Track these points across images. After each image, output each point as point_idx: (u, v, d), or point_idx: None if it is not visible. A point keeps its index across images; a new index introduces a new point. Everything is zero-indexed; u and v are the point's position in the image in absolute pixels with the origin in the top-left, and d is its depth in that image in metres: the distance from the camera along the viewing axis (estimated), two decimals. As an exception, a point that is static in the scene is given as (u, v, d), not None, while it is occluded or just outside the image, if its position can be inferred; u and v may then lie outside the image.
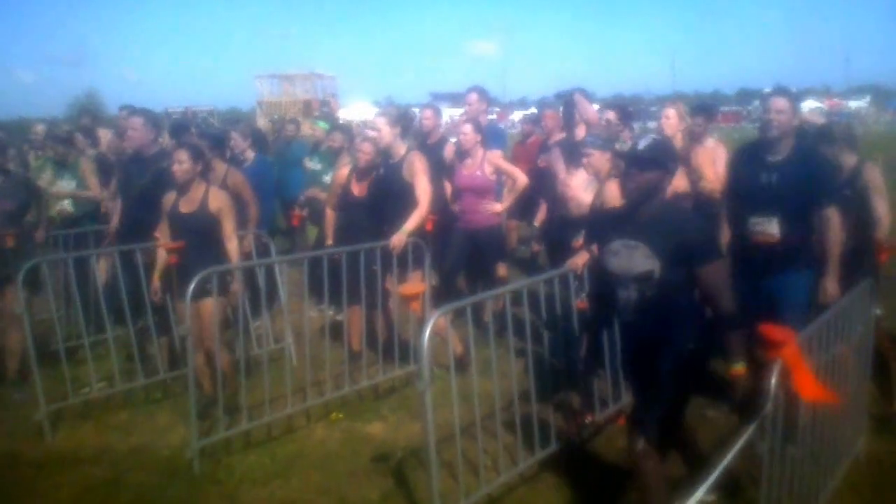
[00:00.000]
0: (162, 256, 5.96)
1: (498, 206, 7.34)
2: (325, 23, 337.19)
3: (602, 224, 4.02)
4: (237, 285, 5.90)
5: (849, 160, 5.42)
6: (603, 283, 4.10)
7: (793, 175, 4.89)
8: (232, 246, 5.85)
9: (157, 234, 6.12)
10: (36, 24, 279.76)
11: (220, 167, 7.20)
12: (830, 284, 4.93)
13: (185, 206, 5.80)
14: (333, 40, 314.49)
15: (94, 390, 6.19)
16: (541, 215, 7.70)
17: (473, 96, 8.09)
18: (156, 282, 6.03)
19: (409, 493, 4.69)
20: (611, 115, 6.90)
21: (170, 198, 5.89)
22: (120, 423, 5.90)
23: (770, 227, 4.94)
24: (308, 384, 6.01)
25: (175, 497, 4.80)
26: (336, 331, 6.59)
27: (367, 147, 6.83)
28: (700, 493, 3.12)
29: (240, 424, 5.48)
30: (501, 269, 7.68)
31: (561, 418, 5.25)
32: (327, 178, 8.43)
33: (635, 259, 3.68)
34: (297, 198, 9.21)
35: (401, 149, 6.70)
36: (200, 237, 5.76)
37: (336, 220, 7.08)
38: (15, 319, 6.10)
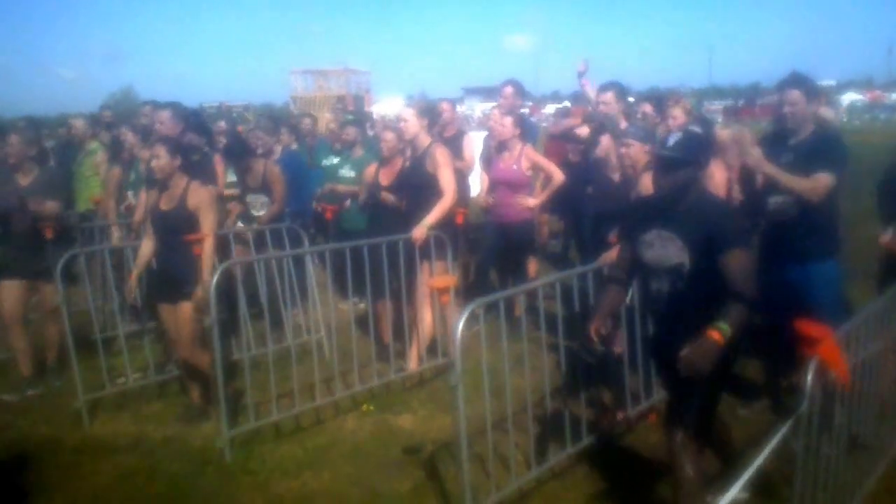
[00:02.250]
0: (143, 255, 5.79)
1: (531, 201, 7.28)
2: (360, 18, 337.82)
3: (638, 214, 3.97)
4: (201, 291, 5.36)
5: None
6: (632, 274, 4.08)
7: (807, 154, 4.87)
8: (206, 245, 5.47)
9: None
10: (77, 21, 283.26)
11: (258, 164, 7.29)
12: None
13: (165, 203, 5.58)
14: (368, 35, 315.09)
15: (130, 381, 6.24)
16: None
17: (509, 89, 8.02)
18: (133, 282, 5.79)
19: (439, 486, 4.66)
20: (647, 107, 6.82)
21: (151, 194, 5.75)
22: (154, 413, 5.96)
23: (786, 205, 4.91)
24: (337, 376, 6.00)
25: (208, 486, 4.83)
26: (365, 323, 6.60)
27: (388, 135, 6.94)
28: (735, 490, 3.07)
29: (270, 415, 5.50)
30: (533, 264, 7.64)
31: (592, 414, 5.19)
32: (343, 172, 8.45)
33: (669, 250, 3.66)
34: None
35: (425, 140, 6.68)
36: (179, 235, 5.49)
37: (368, 212, 7.10)
38: (53, 312, 6.18)
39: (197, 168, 6.19)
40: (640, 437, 5.18)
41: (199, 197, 5.53)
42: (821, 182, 4.79)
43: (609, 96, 6.41)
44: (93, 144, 9.02)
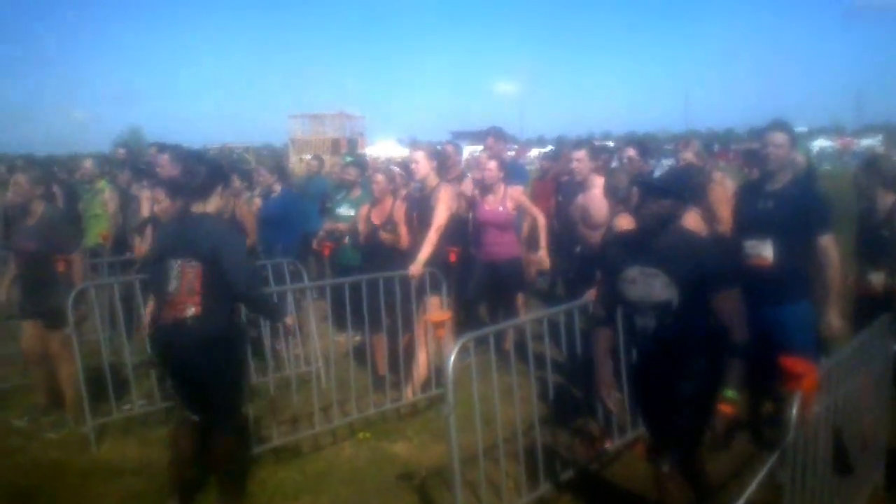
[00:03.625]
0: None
1: (543, 257, 7.23)
2: (355, 64, 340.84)
3: (617, 251, 3.89)
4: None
5: (886, 199, 5.10)
6: (614, 310, 4.05)
7: (787, 202, 4.88)
8: None
9: None
10: (87, 65, 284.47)
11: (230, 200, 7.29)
12: (834, 318, 4.83)
13: None
14: (361, 80, 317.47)
15: (136, 407, 6.20)
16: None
17: (490, 140, 8.23)
18: (146, 319, 5.57)
19: (433, 512, 4.64)
20: (631, 151, 6.90)
21: (148, 235, 5.66)
22: (159, 438, 5.85)
23: (764, 251, 4.91)
24: (335, 405, 5.98)
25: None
26: (361, 355, 6.59)
27: (379, 178, 7.08)
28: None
29: (270, 441, 5.47)
30: (521, 300, 7.67)
31: (580, 444, 5.19)
32: (341, 210, 8.49)
33: (654, 287, 3.58)
34: (317, 230, 9.27)
35: (433, 181, 6.76)
36: None
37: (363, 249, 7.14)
38: (65, 354, 6.11)
39: None
40: (626, 466, 5.15)
41: None
42: (831, 249, 4.80)
43: (581, 154, 6.46)
44: (100, 183, 9.05)
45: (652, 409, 3.93)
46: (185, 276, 4.42)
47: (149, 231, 7.22)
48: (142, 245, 7.37)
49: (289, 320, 5.17)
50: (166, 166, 6.87)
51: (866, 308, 4.89)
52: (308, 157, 15.50)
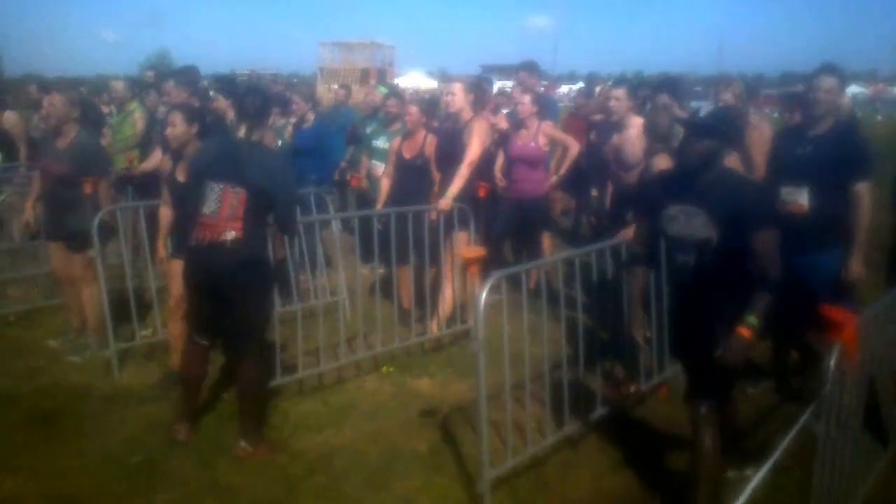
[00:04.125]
0: (164, 220, 5.48)
1: (554, 178, 7.16)
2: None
3: (659, 189, 3.83)
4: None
5: None
6: (654, 249, 3.97)
7: (826, 149, 4.75)
8: None
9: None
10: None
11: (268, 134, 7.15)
12: (856, 264, 4.76)
13: (182, 174, 5.15)
14: (393, 10, 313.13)
15: (159, 333, 6.16)
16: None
17: (523, 74, 8.05)
18: (160, 246, 5.53)
19: (456, 448, 4.59)
20: (665, 98, 6.64)
21: (165, 163, 5.47)
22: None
23: (800, 198, 4.79)
24: (360, 337, 5.92)
25: (231, 438, 4.68)
26: (387, 288, 6.51)
27: (413, 109, 6.87)
28: (764, 471, 2.98)
29: (295, 372, 5.44)
30: (546, 239, 7.53)
31: (606, 386, 5.10)
32: (378, 143, 8.31)
33: (694, 225, 3.52)
34: (339, 161, 9.14)
35: (468, 115, 6.57)
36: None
37: (391, 183, 6.99)
38: (88, 277, 6.06)
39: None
40: (651, 409, 5.10)
41: None
42: (865, 197, 4.70)
43: (621, 92, 6.21)
44: (132, 105, 8.92)
45: (689, 344, 3.85)
46: (226, 200, 4.39)
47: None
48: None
49: None
50: (172, 92, 6.73)
51: None
52: (335, 86, 15.23)
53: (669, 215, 3.62)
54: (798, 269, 4.74)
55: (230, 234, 4.37)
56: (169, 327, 5.56)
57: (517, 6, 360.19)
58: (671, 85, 7.28)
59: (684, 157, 3.65)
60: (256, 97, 4.69)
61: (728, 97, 6.17)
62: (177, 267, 5.12)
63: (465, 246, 6.28)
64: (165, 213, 5.47)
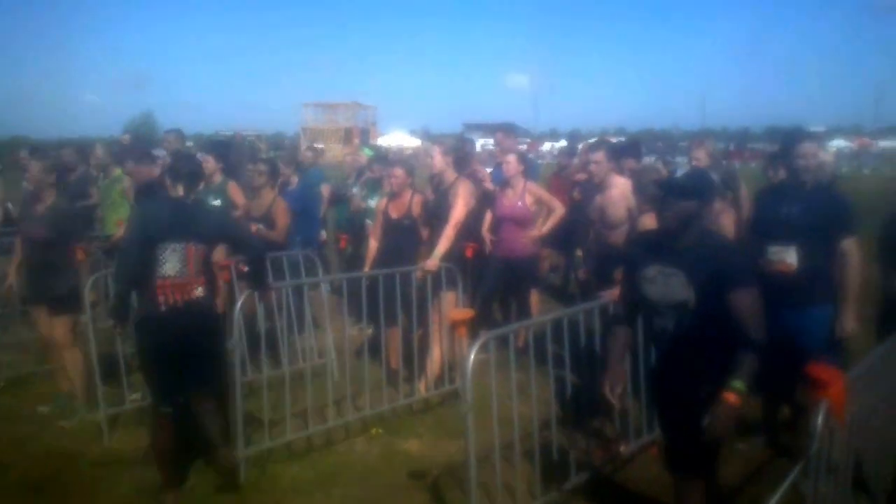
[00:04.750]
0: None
1: (535, 233, 7.27)
2: (369, 53, 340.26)
3: (639, 250, 3.84)
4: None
5: None
6: (634, 310, 3.96)
7: (812, 207, 4.84)
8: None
9: None
10: (103, 49, 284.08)
11: (268, 194, 7.25)
12: (847, 320, 4.82)
13: None
14: (375, 70, 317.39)
15: (148, 397, 6.14)
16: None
17: (499, 135, 8.27)
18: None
19: (445, 511, 4.59)
20: (630, 163, 6.81)
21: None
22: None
23: (788, 257, 4.87)
24: (348, 399, 5.93)
25: (222, 502, 4.74)
26: (375, 349, 6.55)
27: (398, 171, 6.94)
28: None
29: (284, 436, 5.43)
30: (535, 297, 7.61)
31: (596, 445, 5.13)
32: (372, 203, 8.42)
33: (672, 287, 3.52)
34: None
35: (451, 176, 6.71)
36: None
37: (379, 244, 7.07)
38: (70, 341, 6.12)
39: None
40: (641, 469, 5.10)
41: None
42: (854, 252, 4.81)
43: (599, 156, 6.33)
44: (117, 171, 9.01)
45: (669, 412, 3.86)
46: (191, 258, 4.58)
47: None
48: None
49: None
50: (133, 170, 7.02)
51: (893, 313, 4.82)
52: (317, 146, 15.45)
53: (647, 277, 3.63)
54: (788, 325, 4.84)
55: (199, 290, 4.58)
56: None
57: (497, 64, 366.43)
58: (631, 148, 7.46)
59: (662, 219, 3.68)
60: (189, 161, 5.03)
61: (701, 155, 6.30)
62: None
63: (453, 306, 6.35)
64: None
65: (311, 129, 43.14)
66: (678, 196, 3.56)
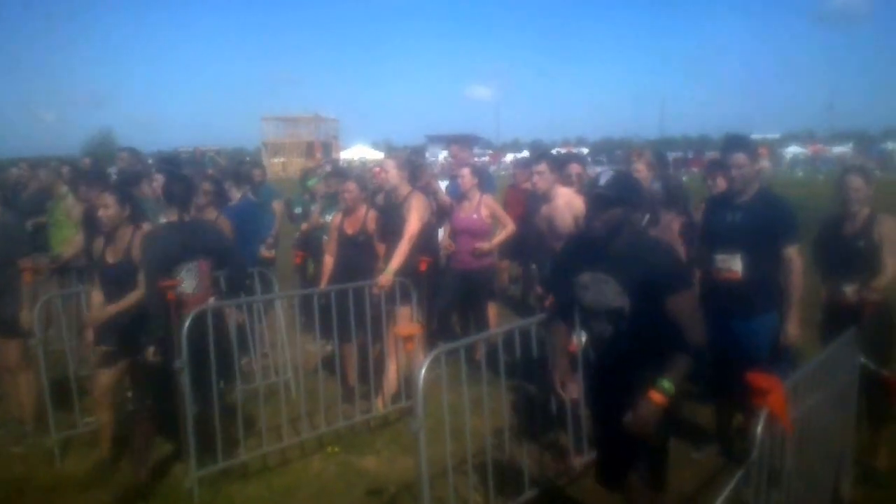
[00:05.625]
0: (96, 307, 5.42)
1: (485, 246, 7.31)
2: (330, 67, 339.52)
3: (570, 256, 3.82)
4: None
5: (863, 210, 5.08)
6: (569, 315, 3.97)
7: (755, 215, 4.95)
8: (135, 293, 5.19)
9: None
10: (62, 67, 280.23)
11: (210, 213, 7.16)
12: (792, 327, 4.93)
13: (111, 256, 5.29)
14: (337, 83, 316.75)
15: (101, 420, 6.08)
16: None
17: (454, 148, 8.35)
18: (88, 333, 5.55)
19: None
20: (576, 167, 6.87)
21: (98, 244, 5.48)
22: (125, 452, 5.80)
23: (733, 264, 4.97)
24: (304, 417, 5.93)
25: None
26: (331, 366, 6.55)
27: (351, 186, 6.94)
28: None
29: (237, 456, 5.40)
30: (492, 309, 7.65)
31: (550, 457, 5.16)
32: (329, 219, 8.39)
33: (606, 293, 3.53)
34: (266, 238, 9.18)
35: (404, 190, 6.74)
36: (125, 287, 5.19)
37: (334, 260, 7.06)
38: (21, 364, 6.04)
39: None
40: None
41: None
42: (795, 259, 4.90)
43: (542, 167, 6.33)
44: (62, 189, 8.90)
45: (606, 421, 3.83)
46: (202, 274, 5.18)
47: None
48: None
49: None
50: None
51: (836, 319, 4.92)
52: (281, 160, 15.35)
53: (581, 283, 3.64)
54: (735, 333, 4.96)
55: (211, 300, 5.19)
56: (98, 416, 5.55)
57: (459, 77, 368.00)
58: (576, 155, 7.59)
59: (590, 228, 3.66)
60: (182, 183, 5.35)
61: (641, 167, 6.39)
62: (104, 356, 5.28)
63: (408, 321, 6.36)
64: (97, 298, 5.46)
65: (273, 144, 42.98)
66: (604, 205, 3.54)
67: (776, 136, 76.42)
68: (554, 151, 11.09)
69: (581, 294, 3.67)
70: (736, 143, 5.13)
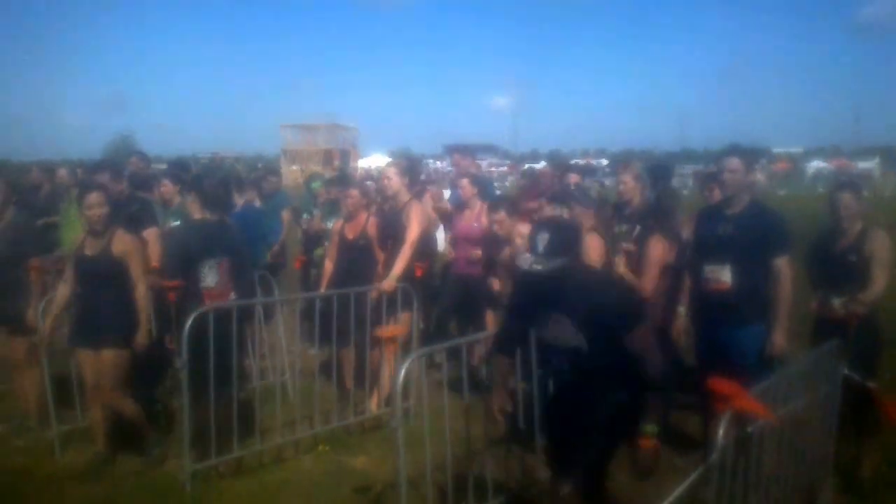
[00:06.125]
0: (61, 299, 5.69)
1: (479, 252, 7.43)
2: (350, 74, 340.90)
3: (523, 297, 3.88)
4: (142, 337, 5.54)
5: (855, 224, 5.17)
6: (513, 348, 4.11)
7: (746, 226, 5.00)
8: (140, 290, 5.54)
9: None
10: (84, 72, 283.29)
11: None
12: (778, 338, 4.96)
13: (90, 249, 5.54)
14: (355, 93, 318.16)
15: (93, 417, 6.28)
16: None
17: (456, 157, 8.50)
18: (47, 326, 5.73)
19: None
20: (574, 177, 7.00)
21: (77, 239, 5.73)
22: (123, 446, 5.99)
23: (722, 275, 5.02)
24: (299, 417, 6.13)
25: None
26: (328, 369, 6.74)
27: (353, 192, 7.15)
28: None
29: (231, 452, 5.58)
30: (490, 316, 7.77)
31: (521, 468, 5.24)
32: (330, 225, 8.56)
33: (565, 331, 3.58)
34: (273, 244, 9.37)
35: (405, 197, 6.90)
36: (103, 281, 5.50)
37: (334, 265, 7.23)
38: (29, 361, 6.28)
39: (134, 219, 6.36)
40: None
41: (126, 244, 5.56)
42: (785, 271, 4.96)
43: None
44: (76, 191, 9.12)
45: (561, 433, 3.92)
46: (223, 271, 5.67)
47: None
48: None
49: None
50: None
51: (825, 331, 4.96)
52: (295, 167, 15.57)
53: (538, 321, 3.71)
54: (723, 343, 5.03)
55: (232, 296, 5.69)
56: (91, 413, 5.76)
57: (478, 87, 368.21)
58: (585, 167, 7.71)
59: (535, 292, 3.70)
60: (217, 186, 5.94)
61: (627, 178, 6.49)
62: (85, 357, 5.52)
63: (407, 326, 6.51)
64: (65, 289, 5.69)
65: (291, 151, 43.30)
66: (545, 275, 3.55)
67: (799, 150, 75.68)
68: (573, 162, 11.19)
69: (538, 330, 3.76)
70: (733, 149, 5.19)
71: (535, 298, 3.76)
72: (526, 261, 3.61)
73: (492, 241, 6.81)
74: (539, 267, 3.53)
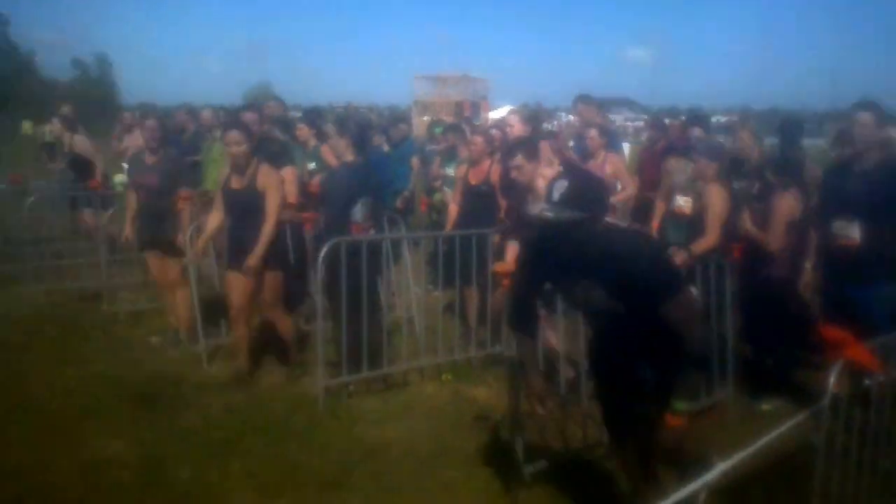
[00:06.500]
0: (211, 227, 6.28)
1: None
2: (482, 25, 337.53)
3: (549, 259, 3.41)
4: (254, 260, 5.89)
5: None
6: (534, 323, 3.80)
7: (876, 183, 4.92)
8: (268, 224, 5.92)
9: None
10: (223, 20, 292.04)
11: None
12: None
13: (236, 183, 6.00)
14: (488, 43, 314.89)
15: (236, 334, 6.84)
16: None
17: (580, 107, 8.52)
18: (199, 248, 6.43)
19: (501, 449, 4.95)
20: (697, 130, 6.99)
21: (223, 173, 6.25)
22: (264, 362, 6.60)
23: (851, 231, 4.96)
24: (423, 349, 6.57)
25: (299, 424, 5.42)
26: (453, 309, 7.13)
27: (477, 139, 7.39)
28: (750, 451, 2.91)
29: (360, 372, 6.01)
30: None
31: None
32: (449, 171, 8.87)
33: (595, 297, 3.29)
34: (402, 190, 9.82)
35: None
36: (247, 212, 5.97)
37: (459, 209, 7.52)
38: (181, 281, 6.99)
39: (273, 158, 6.65)
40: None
41: (267, 178, 6.00)
42: None
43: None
44: (218, 132, 9.73)
45: (612, 396, 3.82)
46: (368, 208, 6.38)
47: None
48: None
49: None
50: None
51: None
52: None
53: (566, 287, 3.49)
54: (851, 301, 5.00)
55: (371, 232, 6.37)
56: (234, 331, 6.35)
57: (615, 37, 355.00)
58: (699, 118, 7.66)
59: (557, 254, 3.33)
60: (363, 132, 6.63)
61: (745, 135, 6.45)
62: (233, 279, 6.02)
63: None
64: (215, 218, 6.27)
65: (423, 102, 43.76)
66: (563, 229, 3.17)
67: (877, 105, 69.80)
68: (714, 120, 10.88)
69: (570, 297, 3.56)
70: (864, 104, 5.10)
71: (545, 254, 3.41)
72: (537, 207, 3.23)
73: (509, 189, 6.45)
74: (549, 214, 3.12)
